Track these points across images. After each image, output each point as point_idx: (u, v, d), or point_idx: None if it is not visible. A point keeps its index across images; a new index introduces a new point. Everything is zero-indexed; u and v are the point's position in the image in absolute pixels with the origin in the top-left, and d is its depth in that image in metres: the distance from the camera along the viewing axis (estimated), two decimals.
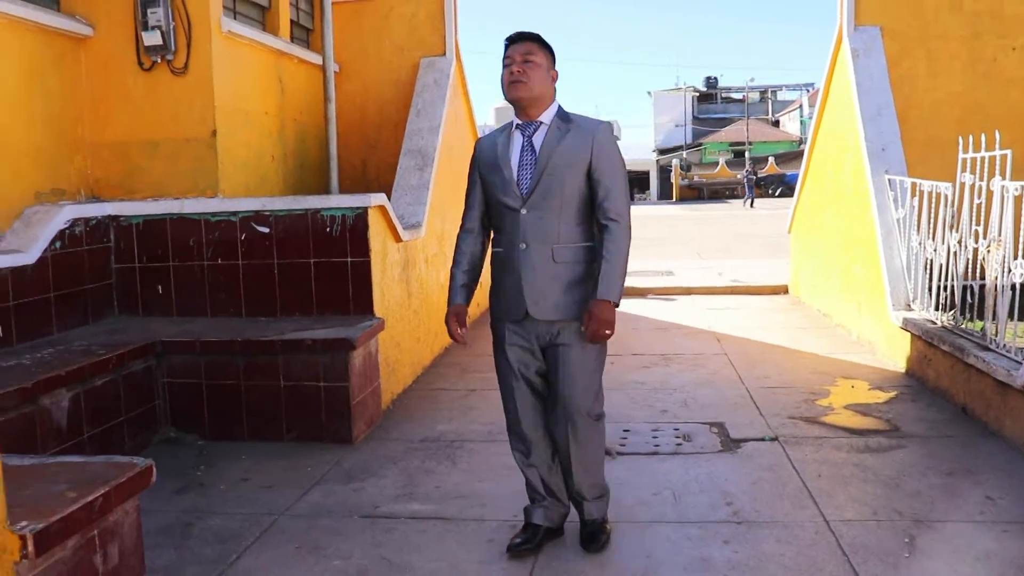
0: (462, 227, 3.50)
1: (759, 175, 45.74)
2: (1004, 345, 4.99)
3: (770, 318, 9.10)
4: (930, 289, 6.12)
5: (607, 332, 3.19)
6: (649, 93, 73.20)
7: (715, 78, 77.20)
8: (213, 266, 5.61)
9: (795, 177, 43.98)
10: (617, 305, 3.21)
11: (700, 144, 65.25)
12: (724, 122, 69.78)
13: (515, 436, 3.52)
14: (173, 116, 5.87)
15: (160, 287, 5.66)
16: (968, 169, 5.53)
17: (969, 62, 7.86)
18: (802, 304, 9.87)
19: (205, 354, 5.07)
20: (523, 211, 3.23)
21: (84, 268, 5.40)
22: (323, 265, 5.50)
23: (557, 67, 3.38)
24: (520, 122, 3.31)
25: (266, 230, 5.51)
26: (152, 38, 5.65)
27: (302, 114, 7.38)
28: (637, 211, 32.38)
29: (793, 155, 53.30)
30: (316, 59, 7.58)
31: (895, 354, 6.65)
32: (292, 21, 7.35)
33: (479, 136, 9.18)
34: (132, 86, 5.88)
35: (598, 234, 3.29)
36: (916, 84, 7.82)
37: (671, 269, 13.11)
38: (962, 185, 5.59)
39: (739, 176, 45.76)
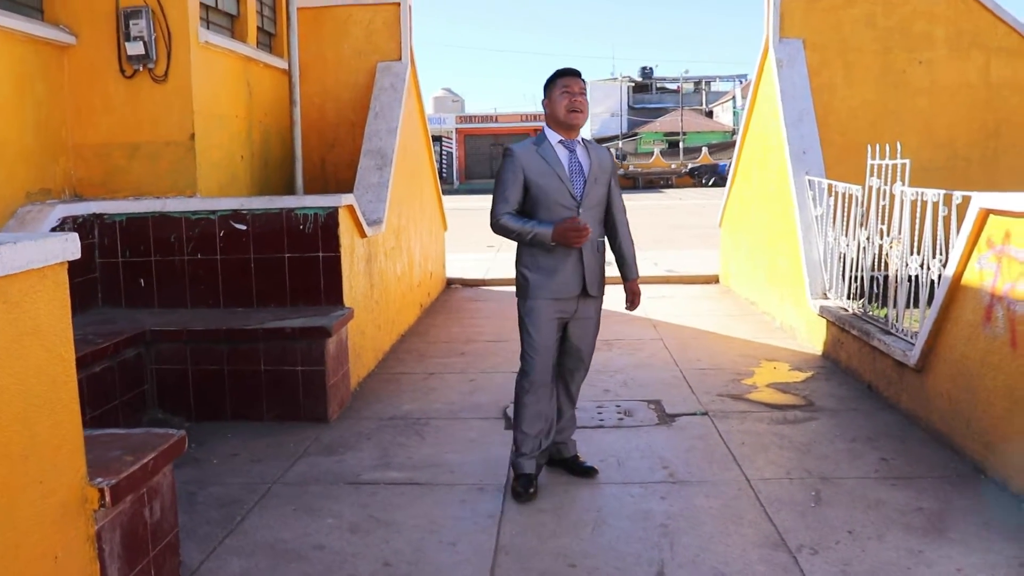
0: (501, 213, 4.13)
1: (692, 165, 46.82)
2: (903, 329, 5.72)
3: (702, 306, 9.81)
4: (843, 280, 6.84)
5: (639, 301, 4.55)
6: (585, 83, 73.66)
7: (650, 68, 78.39)
8: (193, 261, 6.05)
9: (727, 167, 45.03)
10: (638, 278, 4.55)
11: (636, 134, 66.30)
12: (659, 112, 70.98)
13: (540, 387, 4.27)
14: (153, 121, 6.29)
15: (142, 280, 6.09)
16: (875, 174, 6.24)
17: (881, 73, 8.65)
18: (731, 293, 10.61)
19: (191, 342, 5.53)
20: (581, 210, 4.08)
21: (73, 263, 5.78)
22: (296, 260, 5.99)
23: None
24: (563, 139, 4.16)
25: (243, 227, 5.97)
26: (135, 48, 6.06)
27: (266, 115, 7.82)
28: None
29: (726, 145, 54.62)
30: (279, 63, 8.02)
31: (813, 339, 7.38)
32: (258, 27, 7.77)
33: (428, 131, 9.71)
34: (114, 92, 6.29)
35: (612, 228, 4.37)
36: (835, 92, 8.58)
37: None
38: (870, 188, 6.30)
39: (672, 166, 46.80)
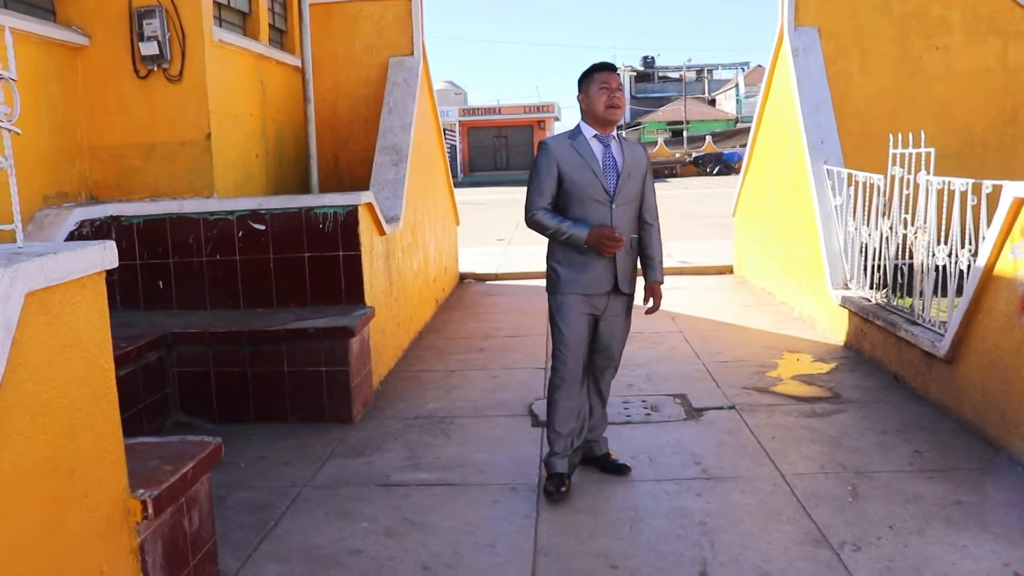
0: (537, 207, 4.09)
1: (696, 154, 46.68)
2: (929, 320, 5.67)
3: (718, 297, 9.76)
4: (865, 270, 6.79)
5: (660, 304, 4.42)
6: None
7: (652, 58, 78.26)
8: (212, 262, 6.01)
9: (733, 156, 44.85)
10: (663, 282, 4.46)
11: (639, 123, 66.15)
12: (662, 101, 70.87)
13: (572, 384, 4.21)
14: (169, 121, 6.24)
15: (161, 282, 6.05)
16: (898, 163, 6.17)
17: (898, 60, 8.57)
18: (747, 283, 10.56)
19: (213, 344, 5.49)
20: (614, 205, 4.06)
21: None
22: (316, 259, 5.95)
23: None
24: (598, 133, 4.12)
25: (262, 227, 5.93)
26: (149, 48, 6.01)
27: (280, 113, 7.77)
28: None
29: (730, 133, 54.52)
30: (291, 60, 7.97)
31: (834, 329, 7.33)
32: (269, 25, 7.71)
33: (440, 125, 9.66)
34: (128, 93, 6.24)
35: (642, 229, 4.29)
36: (851, 80, 8.50)
37: None
38: (892, 177, 6.24)
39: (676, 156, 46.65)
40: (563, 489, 4.15)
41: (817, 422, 5.25)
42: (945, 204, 5.45)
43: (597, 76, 4.08)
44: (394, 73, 8.46)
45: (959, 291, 5.21)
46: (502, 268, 12.33)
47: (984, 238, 4.89)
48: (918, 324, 5.76)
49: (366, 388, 5.83)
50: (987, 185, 4.94)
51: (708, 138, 51.16)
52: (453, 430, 5.34)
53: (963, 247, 5.20)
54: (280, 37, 8.17)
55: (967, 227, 5.12)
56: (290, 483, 4.53)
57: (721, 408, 5.59)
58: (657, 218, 4.33)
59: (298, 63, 8.09)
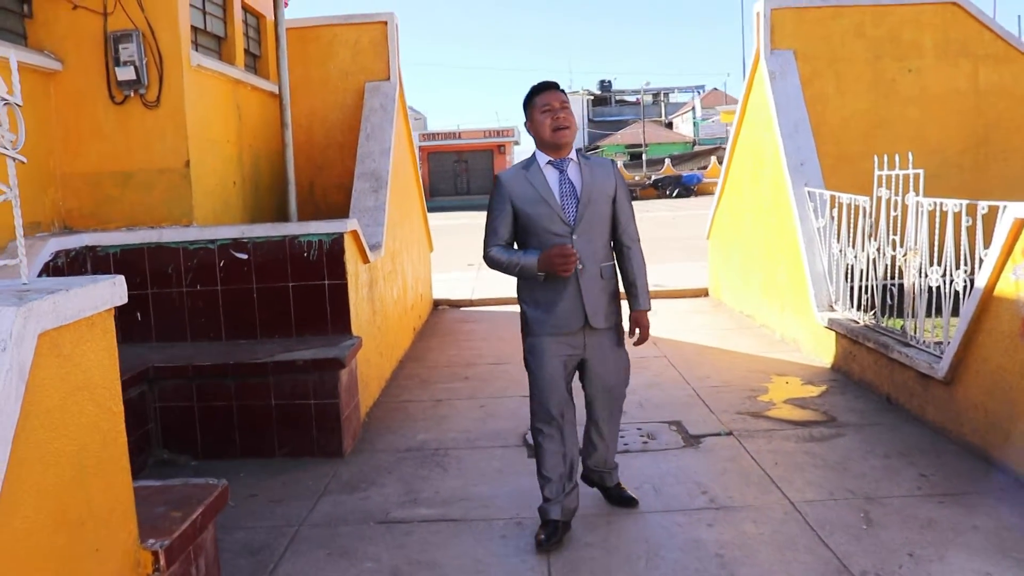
0: (491, 245, 3.87)
1: (656, 177, 47.02)
2: (923, 341, 5.65)
3: (697, 320, 9.72)
4: (851, 291, 6.78)
5: (648, 335, 4.06)
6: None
7: (609, 81, 78.91)
8: (192, 292, 5.82)
9: (692, 178, 45.18)
10: (650, 309, 4.09)
11: (597, 147, 66.55)
12: (619, 124, 71.40)
13: (553, 428, 3.93)
14: (146, 147, 6.05)
15: (139, 314, 5.84)
16: (884, 184, 6.17)
17: (872, 83, 8.65)
18: (724, 306, 10.54)
19: (197, 378, 5.29)
20: (575, 236, 3.74)
21: None
22: (301, 288, 5.78)
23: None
24: (552, 159, 3.81)
25: (245, 256, 5.76)
26: (125, 73, 5.83)
27: (256, 139, 7.61)
28: None
29: (688, 156, 54.99)
30: (266, 85, 7.81)
31: (820, 351, 7.30)
32: (244, 50, 7.56)
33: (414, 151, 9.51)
34: (104, 119, 6.04)
35: (620, 253, 3.98)
36: (827, 103, 8.56)
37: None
38: (879, 199, 6.24)
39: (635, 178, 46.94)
40: (554, 540, 3.86)
41: (817, 446, 5.19)
42: (937, 225, 5.45)
43: (538, 99, 3.78)
44: (370, 98, 8.34)
45: (955, 312, 5.20)
46: (476, 293, 12.20)
47: (982, 259, 4.89)
48: (911, 345, 5.74)
49: (355, 420, 5.66)
50: (982, 206, 4.95)
51: (667, 161, 51.55)
52: (448, 462, 5.19)
53: (958, 268, 5.19)
54: (254, 62, 8.01)
55: (962, 248, 5.11)
56: (285, 522, 4.35)
57: (719, 434, 5.51)
58: (637, 239, 3.99)
59: (273, 88, 7.93)
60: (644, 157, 57.14)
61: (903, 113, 8.68)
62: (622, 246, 3.96)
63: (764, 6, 8.37)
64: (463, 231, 21.81)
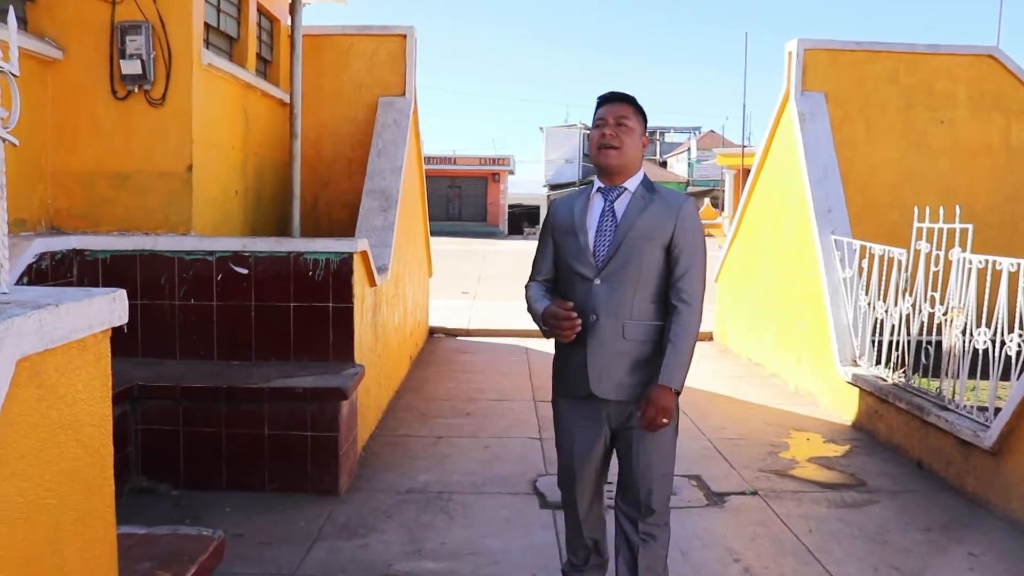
0: (530, 279, 3.32)
1: None
2: (965, 406, 5.29)
3: (704, 366, 9.34)
4: (879, 347, 6.43)
5: (664, 420, 2.99)
6: (541, 129, 74.34)
7: None
8: (185, 306, 5.40)
9: None
10: (678, 393, 3.03)
11: (590, 181, 66.40)
12: None
13: (570, 497, 3.32)
14: (147, 148, 5.65)
15: (125, 326, 5.39)
16: (924, 237, 5.85)
17: (903, 132, 8.37)
18: (731, 352, 10.18)
19: (185, 400, 4.87)
20: (596, 281, 3.04)
21: None
22: (304, 309, 5.38)
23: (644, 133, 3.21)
24: (603, 186, 3.14)
25: (245, 271, 5.35)
26: (131, 66, 5.45)
27: (261, 148, 7.22)
28: (530, 246, 31.92)
29: None
30: (276, 92, 7.45)
31: (840, 407, 6.94)
32: (256, 53, 7.20)
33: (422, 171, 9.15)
34: (104, 115, 5.64)
35: (668, 313, 3.08)
36: (856, 149, 8.26)
37: None
38: (917, 252, 5.91)
39: None
40: None
41: (851, 514, 4.81)
42: (988, 284, 5.12)
43: (596, 113, 3.14)
44: (384, 113, 7.99)
45: (1004, 377, 4.86)
46: (473, 323, 11.81)
47: None
48: (950, 410, 5.38)
49: (352, 455, 5.24)
50: None
51: None
52: (454, 509, 4.77)
53: (1011, 331, 4.85)
54: (265, 67, 7.65)
55: (1017, 310, 4.77)
56: (276, 570, 3.92)
57: (743, 493, 5.12)
58: (692, 301, 3.05)
59: (283, 96, 7.57)
60: None
61: (933, 165, 8.40)
62: (670, 304, 3.07)
63: (797, 46, 8.09)
64: (456, 257, 21.46)
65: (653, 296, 3.07)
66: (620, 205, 3.10)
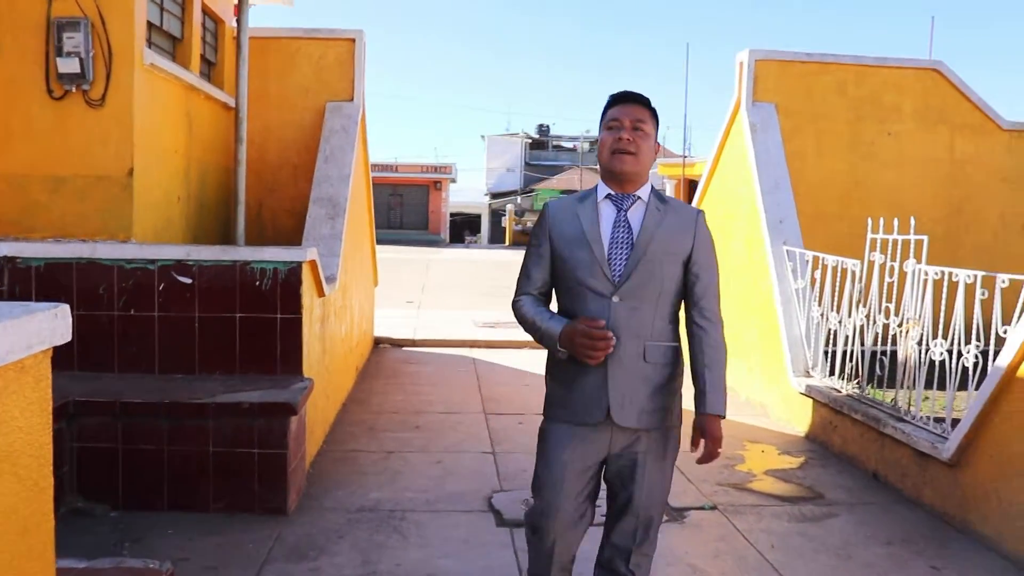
0: (520, 292, 3.00)
1: None
2: (921, 417, 5.29)
3: None
4: (832, 358, 6.43)
5: (719, 451, 2.92)
6: (483, 137, 74.34)
7: (547, 126, 79.34)
8: (124, 317, 5.14)
9: None
10: (724, 416, 2.92)
11: (532, 190, 66.71)
12: (555, 169, 71.66)
13: (540, 539, 2.99)
14: (85, 151, 5.38)
15: None
16: (878, 249, 5.86)
17: (851, 143, 8.44)
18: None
19: (125, 416, 4.62)
20: (615, 299, 2.79)
21: None
22: (250, 321, 5.17)
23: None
24: (612, 193, 2.88)
25: (188, 281, 5.12)
26: (68, 65, 5.18)
27: (205, 152, 6.97)
28: (473, 255, 31.60)
29: None
30: (220, 95, 7.20)
31: (792, 418, 6.93)
32: (200, 54, 6.94)
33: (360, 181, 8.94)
34: (38, 115, 5.36)
35: (691, 335, 2.93)
36: (806, 160, 8.30)
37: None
38: (871, 263, 5.92)
39: None
40: None
41: (812, 528, 4.77)
42: (945, 295, 5.13)
43: (609, 113, 2.90)
44: (332, 119, 7.78)
45: (962, 387, 4.87)
46: (418, 333, 11.62)
47: (1001, 335, 4.56)
48: (907, 421, 5.38)
49: (300, 473, 5.04)
50: (1002, 278, 4.62)
51: None
52: (407, 528, 4.60)
53: (968, 342, 4.86)
54: (209, 70, 7.40)
55: (974, 321, 4.78)
56: None
57: (703, 508, 5.05)
58: (718, 320, 2.94)
59: (227, 99, 7.32)
60: None
61: (880, 177, 8.49)
62: (694, 325, 2.93)
63: (748, 56, 8.11)
64: (398, 265, 21.22)
65: (670, 315, 2.90)
66: (635, 215, 2.88)
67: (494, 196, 66.28)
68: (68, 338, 1.82)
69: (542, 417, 3.01)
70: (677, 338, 2.93)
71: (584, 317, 2.78)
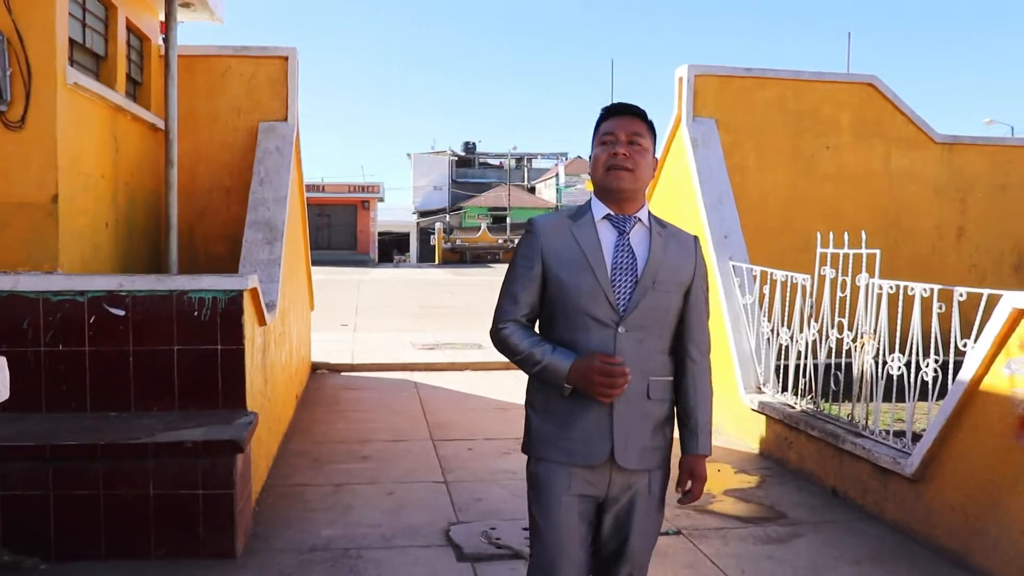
0: (506, 319, 2.69)
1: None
2: (880, 432, 5.26)
3: None
4: (784, 373, 6.39)
5: (702, 491, 2.75)
6: (409, 155, 74.11)
7: (473, 143, 79.45)
8: (52, 352, 4.80)
9: None
10: (710, 455, 2.75)
11: (460, 208, 66.62)
12: (482, 187, 71.74)
13: None
14: (4, 177, 5.02)
15: None
16: (828, 263, 5.85)
17: (792, 157, 8.49)
18: None
19: (55, 460, 4.29)
20: (621, 329, 2.56)
21: None
22: (189, 353, 4.87)
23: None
24: (611, 213, 2.63)
25: (121, 313, 4.81)
26: None
27: (133, 176, 6.63)
28: (404, 275, 31.29)
29: None
30: (148, 116, 6.87)
31: (745, 435, 6.88)
32: (126, 74, 6.61)
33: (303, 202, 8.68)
34: None
35: (683, 368, 2.71)
36: (747, 175, 8.31)
37: (479, 342, 12.74)
38: (822, 278, 5.90)
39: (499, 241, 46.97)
40: None
41: (779, 550, 4.68)
42: (900, 309, 5.12)
43: (603, 126, 2.66)
44: (265, 139, 7.50)
45: (920, 399, 4.86)
46: (356, 357, 11.34)
47: (960, 348, 4.55)
48: (866, 436, 5.35)
49: (247, 512, 4.77)
50: (960, 292, 4.61)
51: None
52: (365, 568, 4.37)
53: (927, 356, 4.84)
54: (135, 89, 7.06)
55: (932, 334, 4.76)
56: None
57: (667, 533, 4.91)
58: (708, 349, 2.76)
59: (154, 120, 6.99)
60: (508, 220, 57.46)
61: (820, 190, 8.56)
62: (688, 358, 2.71)
63: (688, 71, 8.10)
64: (328, 287, 20.78)
65: (668, 347, 2.69)
66: (638, 239, 2.63)
67: (422, 214, 65.95)
68: (5, 395, 1.58)
69: (526, 457, 2.73)
70: (672, 372, 2.72)
71: (597, 352, 2.52)
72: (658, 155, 2.74)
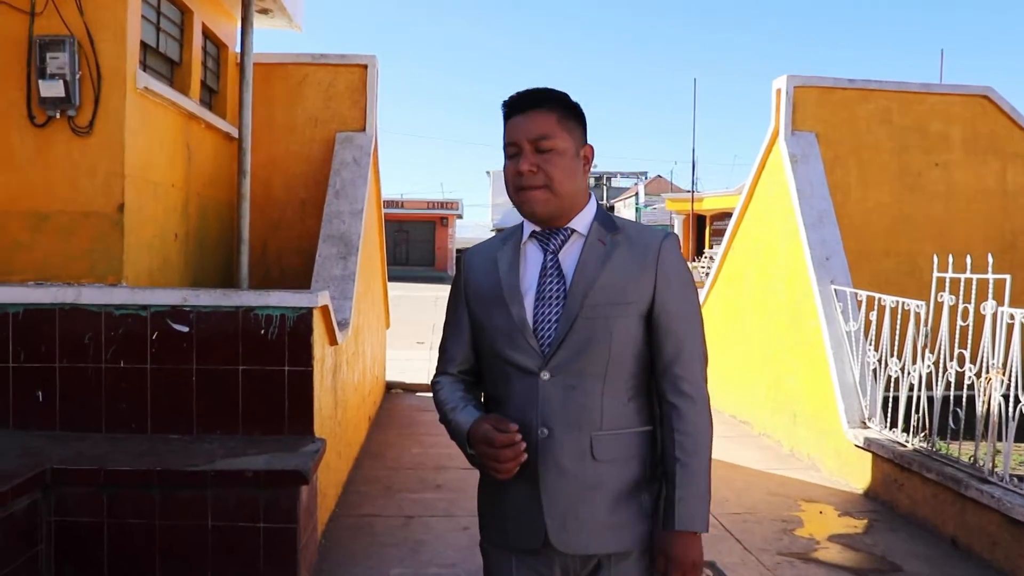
0: (438, 372, 2.28)
1: None
2: (1010, 479, 4.70)
3: None
4: (895, 409, 5.85)
5: None
6: (488, 172, 74.43)
7: None
8: (113, 370, 4.56)
9: None
10: (704, 532, 2.05)
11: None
12: None
13: None
14: (70, 184, 4.84)
15: (41, 393, 4.55)
16: (947, 289, 5.31)
17: (897, 174, 7.91)
18: (713, 408, 9.54)
19: (110, 486, 4.03)
20: (544, 375, 2.02)
21: None
22: (254, 374, 4.58)
23: (589, 137, 2.15)
24: (537, 230, 2.10)
25: (185, 329, 4.55)
26: (51, 88, 4.65)
27: (205, 187, 6.43)
28: None
29: None
30: (222, 124, 6.68)
31: (848, 474, 6.33)
32: (200, 81, 6.44)
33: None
34: (18, 144, 4.82)
35: (661, 414, 2.09)
36: (848, 193, 7.76)
37: None
38: (939, 304, 5.36)
39: None
40: None
41: None
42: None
43: (504, 134, 2.08)
44: (342, 150, 7.26)
45: None
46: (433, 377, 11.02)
47: None
48: (993, 483, 4.78)
49: (312, 547, 4.44)
50: None
51: None
52: None
53: None
54: (210, 97, 6.89)
55: None
56: None
57: None
58: (697, 387, 2.07)
59: (230, 129, 6.80)
60: None
61: (928, 210, 7.94)
62: (664, 402, 2.07)
63: (787, 83, 7.60)
64: (405, 303, 20.67)
65: (631, 390, 2.06)
66: (569, 256, 2.07)
67: (500, 231, 66.11)
68: None
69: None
70: (649, 420, 2.10)
71: (491, 416, 2.02)
72: (589, 142, 2.03)
